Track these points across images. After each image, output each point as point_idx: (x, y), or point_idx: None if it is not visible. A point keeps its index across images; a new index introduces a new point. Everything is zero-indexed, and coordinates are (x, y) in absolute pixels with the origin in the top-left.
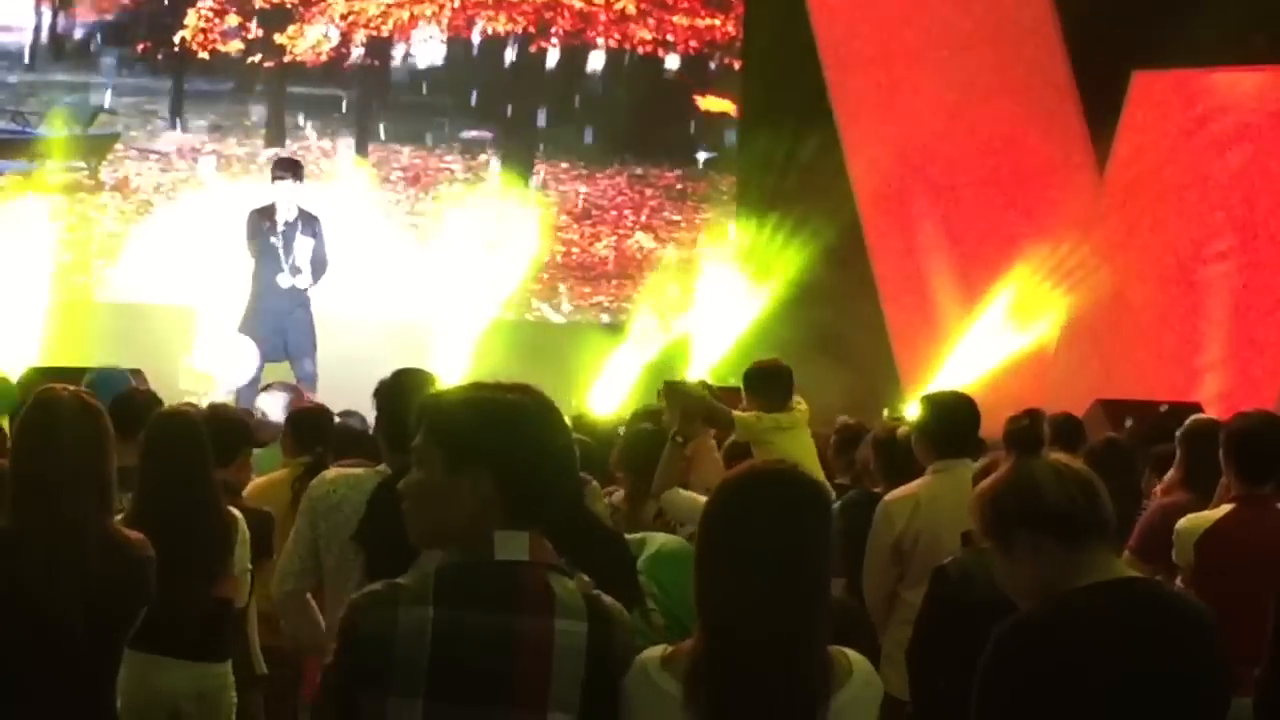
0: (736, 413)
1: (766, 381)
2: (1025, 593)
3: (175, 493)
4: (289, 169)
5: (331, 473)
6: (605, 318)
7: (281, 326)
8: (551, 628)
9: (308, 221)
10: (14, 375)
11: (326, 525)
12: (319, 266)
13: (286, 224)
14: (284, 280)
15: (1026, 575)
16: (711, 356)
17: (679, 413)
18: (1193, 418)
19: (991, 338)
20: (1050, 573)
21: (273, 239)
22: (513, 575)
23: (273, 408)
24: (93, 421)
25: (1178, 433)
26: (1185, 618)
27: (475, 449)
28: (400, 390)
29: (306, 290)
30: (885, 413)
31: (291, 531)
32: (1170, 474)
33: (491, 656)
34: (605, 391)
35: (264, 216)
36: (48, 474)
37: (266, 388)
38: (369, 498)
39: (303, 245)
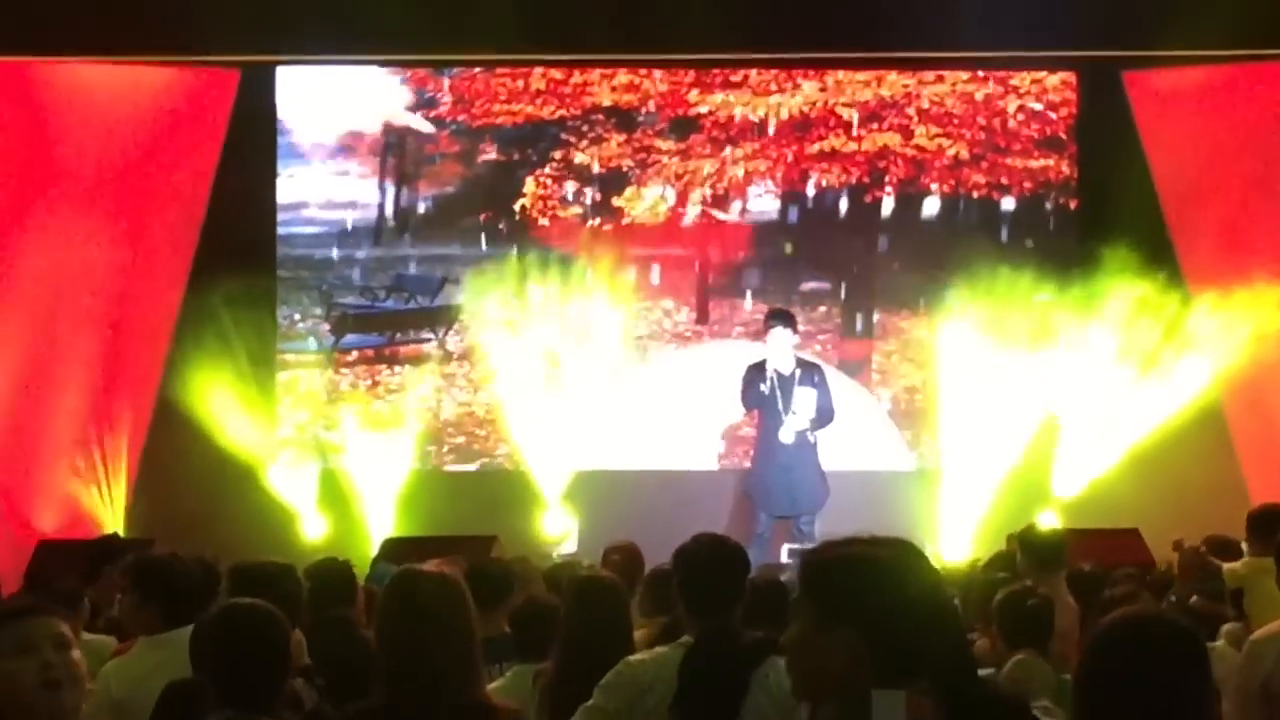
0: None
1: (1261, 524)
2: None
3: (597, 654)
4: (780, 318)
5: (639, 655)
6: (950, 462)
7: (790, 481)
8: None
9: (807, 370)
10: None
11: (643, 707)
12: (823, 416)
13: (781, 375)
14: (785, 435)
15: None
16: (1057, 501)
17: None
18: None
19: None
20: None
21: (768, 392)
22: None
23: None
24: (453, 594)
25: None
26: None
27: (842, 606)
28: (711, 558)
29: (814, 443)
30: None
31: (586, 705)
32: None
33: None
34: (953, 539)
35: (757, 371)
36: (422, 650)
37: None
38: (679, 670)
39: (803, 396)
